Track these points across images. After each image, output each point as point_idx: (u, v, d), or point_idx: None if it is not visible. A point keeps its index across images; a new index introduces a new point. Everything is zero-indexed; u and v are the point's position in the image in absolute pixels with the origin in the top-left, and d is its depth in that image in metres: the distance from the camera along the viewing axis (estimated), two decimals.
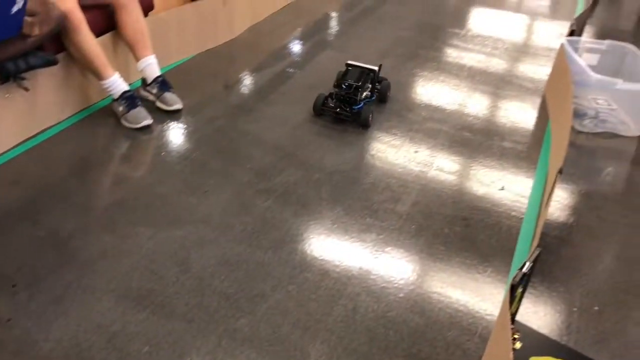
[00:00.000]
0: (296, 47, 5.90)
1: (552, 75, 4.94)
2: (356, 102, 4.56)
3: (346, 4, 7.08)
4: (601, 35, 6.02)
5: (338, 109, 4.57)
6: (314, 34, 6.15)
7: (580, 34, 5.62)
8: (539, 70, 5.35)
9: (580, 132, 4.51)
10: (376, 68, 4.70)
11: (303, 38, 6.10)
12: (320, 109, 4.62)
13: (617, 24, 6.44)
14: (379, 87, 4.81)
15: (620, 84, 4.20)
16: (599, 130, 4.47)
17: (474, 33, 6.06)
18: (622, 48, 4.66)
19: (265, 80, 5.25)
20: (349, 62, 4.78)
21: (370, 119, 4.53)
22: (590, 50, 4.69)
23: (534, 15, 6.66)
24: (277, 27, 6.28)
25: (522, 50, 5.72)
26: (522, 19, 6.54)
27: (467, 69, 5.38)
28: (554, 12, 6.77)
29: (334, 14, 6.77)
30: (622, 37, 5.86)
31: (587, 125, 4.46)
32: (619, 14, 6.74)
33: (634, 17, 6.66)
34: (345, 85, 4.57)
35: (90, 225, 3.57)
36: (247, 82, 5.24)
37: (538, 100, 5.04)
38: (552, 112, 4.70)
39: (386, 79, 4.89)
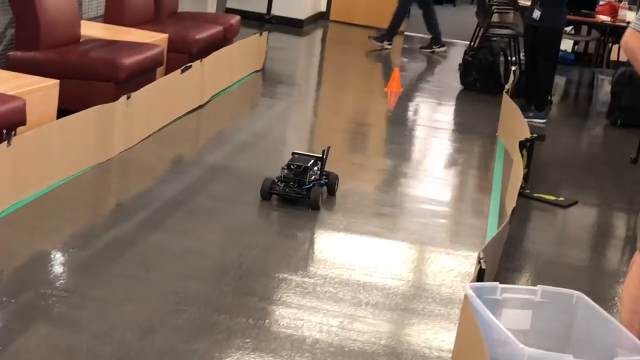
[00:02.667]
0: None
1: (456, 351, 3.07)
2: (305, 183, 4.66)
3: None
4: (534, 275, 4.20)
5: (287, 189, 4.65)
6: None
7: (494, 271, 3.86)
8: (434, 344, 3.35)
9: None
10: (321, 155, 4.82)
11: None
12: (268, 192, 4.66)
13: (558, 251, 4.64)
14: (326, 179, 4.83)
15: None
16: None
17: (327, 278, 3.83)
18: (566, 298, 3.41)
19: None
20: (295, 151, 4.94)
21: (320, 200, 4.62)
22: (518, 304, 3.42)
23: (421, 242, 4.41)
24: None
25: (404, 309, 3.63)
26: (403, 252, 4.32)
27: (309, 346, 3.24)
28: (455, 235, 4.65)
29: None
30: (568, 277, 4.20)
31: None
32: (551, 231, 4.97)
33: (577, 234, 5.00)
34: (294, 166, 4.71)
35: None
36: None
37: None
38: None
39: (334, 172, 4.89)
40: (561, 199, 5.35)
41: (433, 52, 10.00)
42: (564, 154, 6.67)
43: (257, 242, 4.15)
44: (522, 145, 5.28)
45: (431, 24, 9.95)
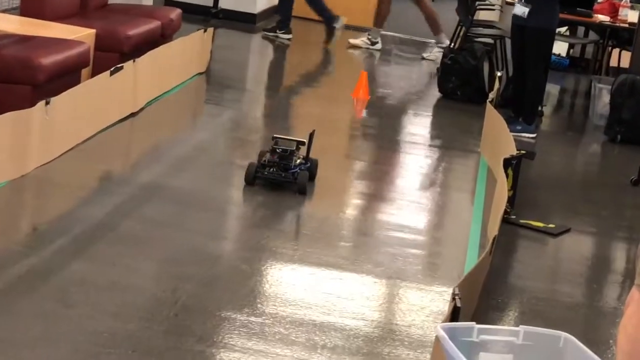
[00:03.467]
0: None
1: None
2: (290, 167, 5.30)
3: None
4: (519, 313, 4.32)
5: (274, 173, 5.29)
6: None
7: (472, 310, 3.90)
8: None
9: None
10: (302, 140, 5.45)
11: None
12: (253, 177, 5.28)
13: (547, 287, 4.71)
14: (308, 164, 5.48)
15: None
16: None
17: (277, 317, 3.85)
18: (552, 341, 3.46)
19: None
20: (276, 135, 5.54)
21: (306, 186, 5.27)
22: (497, 348, 3.46)
23: (388, 276, 4.44)
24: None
25: (366, 353, 3.67)
26: (368, 287, 4.35)
27: None
28: (428, 268, 4.70)
29: None
30: (557, 316, 4.30)
31: None
32: (539, 264, 5.04)
33: (570, 267, 5.08)
34: (279, 150, 5.32)
35: None
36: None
37: None
38: None
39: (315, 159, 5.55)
40: (552, 226, 5.43)
41: (277, 36, 9.97)
42: (556, 174, 6.77)
43: (195, 274, 4.16)
44: (508, 163, 5.36)
45: (283, 8, 9.96)
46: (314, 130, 5.55)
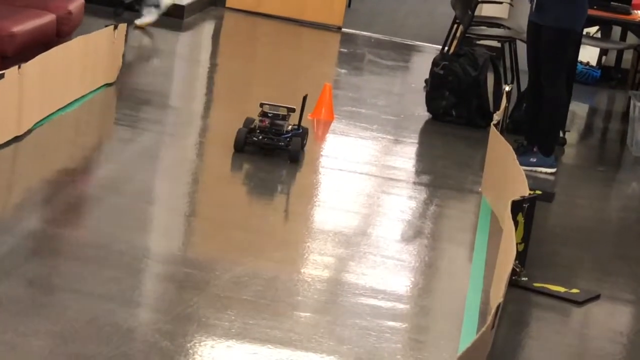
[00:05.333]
0: None
1: None
2: (282, 132, 6.72)
3: None
4: None
5: (265, 139, 6.69)
6: None
7: None
8: None
9: None
10: (295, 107, 6.81)
11: None
12: (243, 143, 6.69)
13: None
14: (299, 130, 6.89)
15: None
16: None
17: None
18: None
19: None
20: (264, 101, 6.84)
21: (299, 152, 6.73)
22: None
23: (357, 358, 4.50)
24: None
25: None
26: None
27: None
28: (412, 347, 4.74)
29: None
30: None
31: None
32: (559, 341, 5.07)
33: (599, 345, 5.12)
34: (270, 114, 6.72)
35: None
36: None
37: None
38: None
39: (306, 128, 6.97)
40: (575, 291, 5.48)
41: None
42: (582, 222, 6.83)
43: (98, 354, 4.14)
44: (518, 207, 5.40)
45: None
46: (306, 95, 6.94)
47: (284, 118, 6.79)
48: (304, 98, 6.94)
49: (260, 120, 6.79)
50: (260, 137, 6.78)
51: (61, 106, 7.04)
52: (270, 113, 6.75)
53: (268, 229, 5.87)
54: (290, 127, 6.84)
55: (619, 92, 10.27)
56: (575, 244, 6.35)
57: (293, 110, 6.84)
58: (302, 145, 6.91)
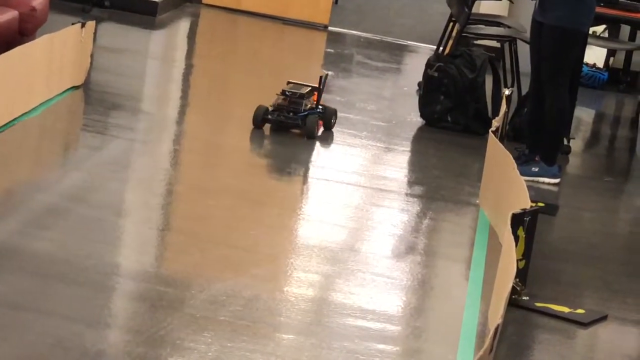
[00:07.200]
0: None
1: None
2: (300, 111, 7.57)
3: None
4: None
5: (282, 117, 7.59)
6: None
7: None
8: None
9: None
10: (315, 86, 7.72)
11: None
12: (261, 120, 7.61)
13: None
14: (323, 110, 7.82)
15: None
16: None
17: None
18: None
19: None
20: (290, 80, 7.81)
21: (316, 130, 7.59)
22: None
23: None
24: None
25: None
26: None
27: None
28: None
29: None
30: None
31: None
32: None
33: None
34: (289, 93, 7.61)
35: None
36: None
37: None
38: None
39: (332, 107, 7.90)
40: (581, 311, 5.49)
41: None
42: (587, 236, 6.84)
43: None
44: (518, 220, 5.41)
45: None
46: (327, 74, 7.71)
47: (302, 97, 7.65)
48: (324, 77, 7.91)
49: (281, 99, 7.69)
50: (277, 114, 7.65)
51: (24, 111, 7.03)
52: (289, 92, 7.63)
53: (248, 243, 5.87)
54: (309, 106, 7.68)
55: (627, 96, 10.30)
56: (581, 260, 6.37)
57: (317, 89, 7.77)
58: (328, 126, 7.87)
